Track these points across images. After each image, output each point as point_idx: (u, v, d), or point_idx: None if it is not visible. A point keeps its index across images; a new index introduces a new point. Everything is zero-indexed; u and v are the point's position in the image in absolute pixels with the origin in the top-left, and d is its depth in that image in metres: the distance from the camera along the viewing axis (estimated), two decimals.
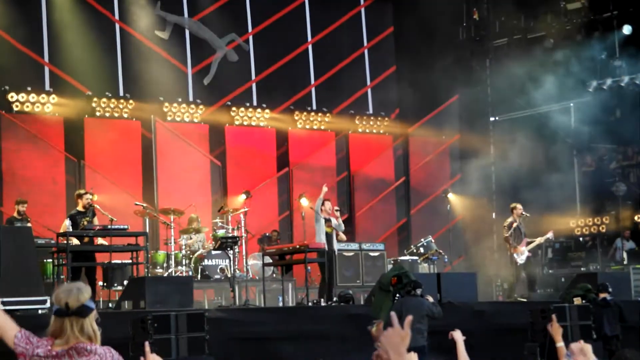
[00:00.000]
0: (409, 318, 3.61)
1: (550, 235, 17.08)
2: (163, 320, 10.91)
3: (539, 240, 16.96)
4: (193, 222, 16.57)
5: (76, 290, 4.24)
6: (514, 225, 16.44)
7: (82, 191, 14.46)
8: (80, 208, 14.09)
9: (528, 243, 16.66)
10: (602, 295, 13.58)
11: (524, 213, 16.74)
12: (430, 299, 11.44)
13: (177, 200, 17.02)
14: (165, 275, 15.23)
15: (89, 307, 4.21)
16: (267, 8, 20.65)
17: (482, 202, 20.21)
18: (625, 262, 18.60)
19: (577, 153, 20.18)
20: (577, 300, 13.45)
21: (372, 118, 21.69)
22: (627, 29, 19.98)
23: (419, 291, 11.35)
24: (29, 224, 14.17)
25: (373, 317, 11.74)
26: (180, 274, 15.33)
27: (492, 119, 21.77)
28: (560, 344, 6.44)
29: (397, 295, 11.57)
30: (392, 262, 17.43)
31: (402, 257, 17.50)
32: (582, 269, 18.49)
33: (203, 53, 19.85)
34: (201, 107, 19.49)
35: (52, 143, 17.60)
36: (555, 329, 6.41)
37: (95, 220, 13.94)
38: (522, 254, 16.47)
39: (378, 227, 20.34)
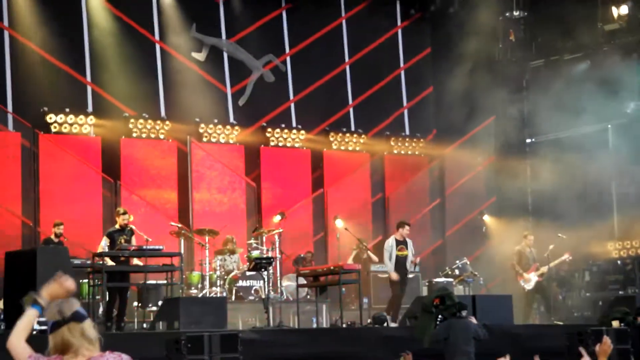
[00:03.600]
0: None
1: (566, 256, 17.04)
2: (197, 341, 10.94)
3: (555, 262, 16.94)
4: (228, 243, 16.62)
5: (64, 301, 4.31)
6: (522, 253, 16.61)
7: (120, 210, 14.59)
8: (117, 228, 14.22)
9: (539, 268, 16.70)
10: None
11: (561, 236, 16.73)
12: (475, 321, 11.33)
13: (212, 221, 17.10)
14: (200, 296, 15.27)
15: (82, 314, 4.25)
16: (304, 29, 20.74)
17: (518, 224, 20.04)
18: None
19: (615, 175, 19.96)
20: (615, 324, 13.29)
21: (407, 139, 21.66)
22: None
23: (464, 313, 11.25)
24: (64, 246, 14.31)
25: (417, 339, 11.70)
26: (214, 295, 15.36)
27: (528, 140, 21.65)
28: None
29: (440, 316, 11.48)
30: (426, 283, 17.38)
31: (437, 279, 17.42)
32: (620, 292, 18.28)
33: (241, 74, 19.98)
34: (237, 128, 19.58)
35: (89, 163, 17.76)
36: (604, 350, 6.26)
37: (133, 240, 14.04)
38: (528, 281, 16.54)
39: (414, 249, 20.22)
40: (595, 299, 18.45)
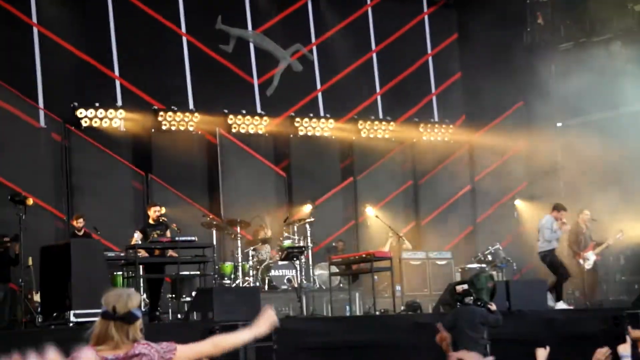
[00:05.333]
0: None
1: (619, 235, 16.85)
2: (231, 330, 10.97)
3: (609, 241, 16.74)
4: (259, 233, 16.65)
5: (126, 295, 4.28)
6: (578, 231, 16.37)
7: (152, 203, 14.68)
8: (150, 221, 14.30)
9: (596, 246, 16.49)
10: None
11: (594, 219, 16.56)
12: (492, 307, 11.27)
13: (243, 212, 17.13)
14: (233, 286, 15.32)
15: (136, 315, 4.23)
16: (330, 18, 20.70)
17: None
18: None
19: None
20: None
21: (437, 125, 21.56)
22: None
23: (467, 299, 11.22)
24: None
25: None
26: (247, 285, 15.41)
27: (558, 124, 21.48)
28: None
29: (458, 304, 11.51)
30: (459, 270, 17.33)
31: (470, 265, 17.36)
32: None
33: (268, 64, 19.99)
34: (265, 118, 19.58)
35: (120, 157, 17.85)
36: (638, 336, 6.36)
37: (168, 234, 14.11)
38: (587, 259, 16.31)
39: (445, 236, 20.16)
40: (631, 282, 18.31)
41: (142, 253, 13.61)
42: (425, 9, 22.03)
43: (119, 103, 18.13)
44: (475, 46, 21.32)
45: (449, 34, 22.19)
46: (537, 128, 21.10)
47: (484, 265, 16.91)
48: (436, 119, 21.74)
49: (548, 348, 7.26)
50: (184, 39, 19.04)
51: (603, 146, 18.92)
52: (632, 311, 12.79)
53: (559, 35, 21.30)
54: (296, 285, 14.89)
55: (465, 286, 11.67)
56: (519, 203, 20.99)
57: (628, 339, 6.74)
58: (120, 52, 18.26)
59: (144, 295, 13.99)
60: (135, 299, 4.32)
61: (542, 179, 20.41)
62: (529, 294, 14.66)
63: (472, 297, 11.32)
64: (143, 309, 13.51)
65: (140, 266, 13.39)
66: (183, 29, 19.05)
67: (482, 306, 11.28)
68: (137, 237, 13.96)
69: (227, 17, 19.52)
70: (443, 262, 17.30)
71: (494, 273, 16.73)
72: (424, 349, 12.53)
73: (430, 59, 21.95)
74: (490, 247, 17.35)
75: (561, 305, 15.34)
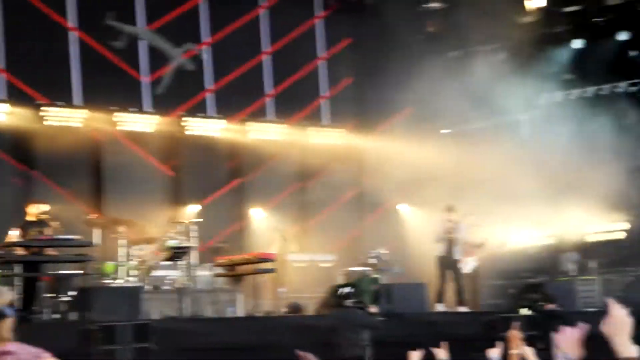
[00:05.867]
0: None
1: (501, 243, 17.31)
2: (109, 331, 10.89)
3: (490, 248, 17.17)
4: (144, 233, 16.46)
5: None
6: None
7: (34, 200, 14.36)
8: (30, 218, 13.98)
9: (475, 252, 16.90)
10: (549, 306, 13.75)
11: (474, 223, 16.97)
12: (373, 310, 11.48)
13: (129, 211, 16.91)
14: (114, 285, 15.11)
15: (3, 313, 4.14)
16: (224, 17, 20.63)
17: (435, 213, 20.27)
18: (572, 274, 18.79)
19: (529, 165, 20.30)
20: (524, 311, 13.61)
21: (327, 129, 21.73)
22: (577, 43, 20.30)
23: (349, 302, 11.44)
24: None
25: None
26: (129, 285, 15.21)
27: (443, 131, 21.90)
28: (515, 351, 6.55)
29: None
30: (343, 272, 17.49)
31: (354, 268, 17.52)
32: (530, 279, 18.65)
33: (159, 62, 19.80)
34: (155, 116, 19.40)
35: (1, 152, 17.41)
36: (514, 337, 6.51)
37: (49, 232, 13.82)
38: (467, 264, 16.71)
39: (331, 238, 20.32)
40: (505, 286, 18.80)
41: (21, 251, 13.30)
42: (319, 13, 22.16)
43: (2, 96, 17.68)
44: (367, 51, 21.56)
45: (342, 39, 22.37)
46: (424, 134, 21.47)
47: (368, 269, 17.10)
48: (326, 122, 21.90)
49: (422, 351, 7.38)
50: (73, 34, 18.70)
51: (484, 153, 19.39)
52: (506, 314, 13.19)
53: (448, 44, 21.72)
54: (179, 286, 14.80)
55: (348, 289, 11.84)
56: (403, 207, 21.29)
57: (500, 343, 6.91)
58: (5, 44, 17.80)
59: (20, 296, 13.66)
60: (3, 297, 4.22)
61: (426, 184, 20.75)
62: (411, 297, 14.95)
63: (353, 300, 11.51)
64: (15, 308, 13.21)
65: (17, 265, 13.08)
66: (72, 24, 18.70)
67: (363, 309, 11.47)
68: (15, 234, 13.64)
69: (119, 13, 19.25)
70: (328, 265, 17.43)
71: (378, 276, 16.95)
72: (306, 350, 12.64)
73: (322, 62, 22.10)
74: (374, 251, 17.56)
75: (441, 307, 15.67)
